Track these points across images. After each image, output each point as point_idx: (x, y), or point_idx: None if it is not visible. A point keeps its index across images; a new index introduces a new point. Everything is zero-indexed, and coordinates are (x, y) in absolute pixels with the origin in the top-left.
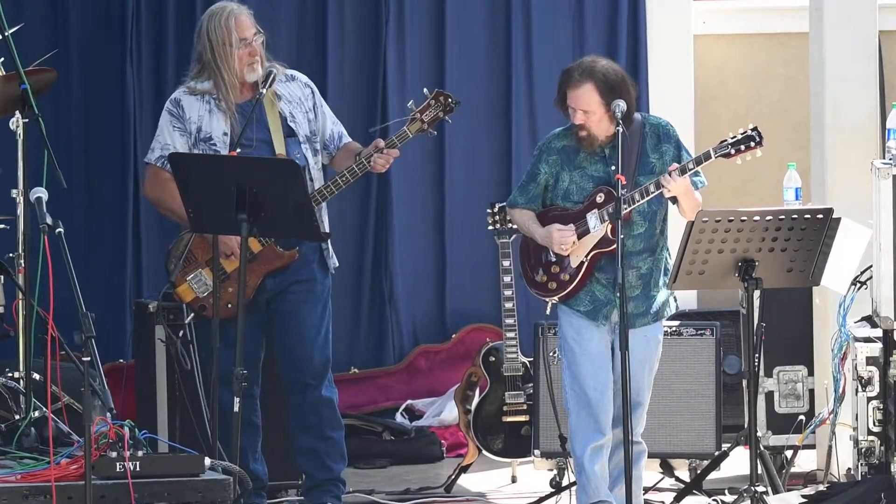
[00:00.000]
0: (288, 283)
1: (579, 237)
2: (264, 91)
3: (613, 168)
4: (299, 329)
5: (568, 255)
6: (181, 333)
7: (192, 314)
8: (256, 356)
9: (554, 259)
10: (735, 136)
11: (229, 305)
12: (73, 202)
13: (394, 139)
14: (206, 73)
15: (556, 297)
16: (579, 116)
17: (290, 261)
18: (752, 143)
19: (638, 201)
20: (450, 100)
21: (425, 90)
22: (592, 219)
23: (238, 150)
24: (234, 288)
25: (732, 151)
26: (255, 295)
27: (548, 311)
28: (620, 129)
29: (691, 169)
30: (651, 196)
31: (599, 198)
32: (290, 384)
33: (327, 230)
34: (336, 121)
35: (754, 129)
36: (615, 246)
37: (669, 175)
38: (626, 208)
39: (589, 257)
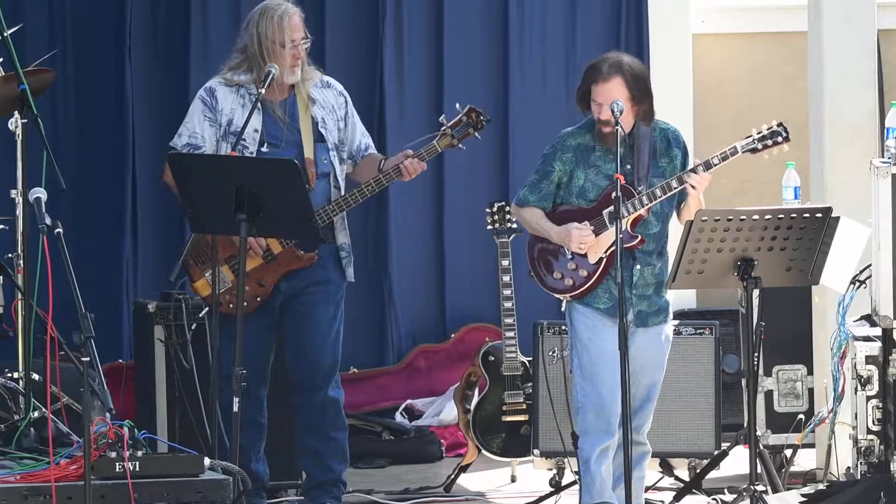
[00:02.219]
0: (302, 285)
1: (596, 234)
2: (262, 91)
3: (629, 167)
4: (311, 329)
5: (584, 253)
6: (193, 327)
7: (207, 308)
8: (266, 358)
9: (571, 257)
10: (761, 132)
11: (244, 303)
12: (71, 202)
13: (423, 152)
14: (248, 65)
15: (569, 295)
16: (605, 111)
17: (309, 263)
18: (780, 139)
19: (659, 197)
20: (482, 117)
21: (457, 105)
22: (609, 216)
23: (264, 149)
24: (251, 287)
25: (759, 147)
26: (271, 297)
27: (563, 309)
28: (619, 129)
29: (716, 164)
30: (673, 192)
31: (614, 198)
32: (298, 384)
33: (347, 241)
34: (365, 132)
35: (780, 124)
36: (635, 242)
37: (695, 171)
38: (647, 204)
39: (608, 254)
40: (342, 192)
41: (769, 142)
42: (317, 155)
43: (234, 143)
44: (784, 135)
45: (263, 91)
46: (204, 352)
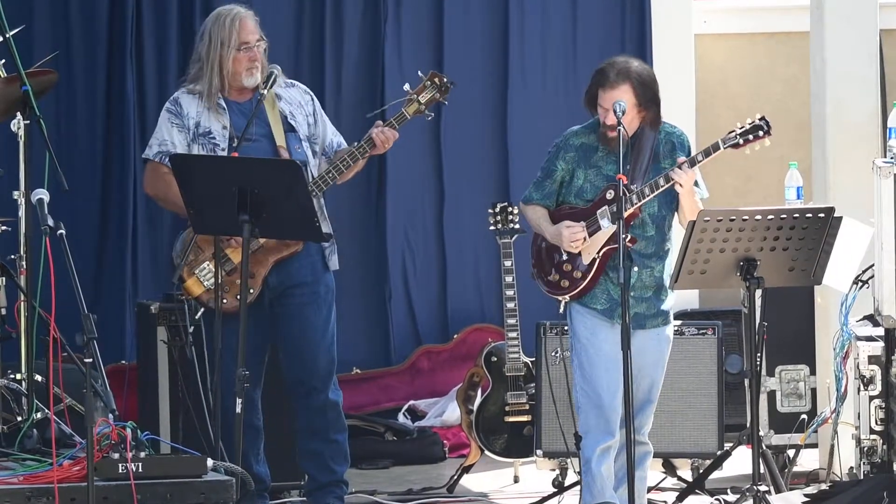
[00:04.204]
0: (291, 283)
1: (590, 234)
2: (265, 91)
3: (629, 168)
4: (304, 332)
5: (579, 253)
6: (192, 329)
7: (202, 309)
8: (260, 359)
9: (566, 258)
10: (743, 126)
11: (237, 297)
12: (74, 203)
13: (392, 121)
14: (203, 72)
15: (568, 296)
16: (612, 117)
17: (297, 249)
18: (761, 133)
19: (648, 195)
20: (445, 80)
21: (419, 73)
22: (603, 216)
23: (236, 144)
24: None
25: (741, 142)
26: (260, 292)
27: (560, 310)
28: (621, 130)
29: (700, 161)
30: (661, 190)
31: (609, 195)
32: (296, 387)
33: (330, 231)
34: (336, 131)
35: (762, 118)
36: (625, 241)
37: (680, 167)
38: (636, 203)
39: (601, 254)
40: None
41: (750, 136)
42: (289, 143)
43: (238, 142)
44: (765, 129)
45: (266, 92)
46: (202, 352)
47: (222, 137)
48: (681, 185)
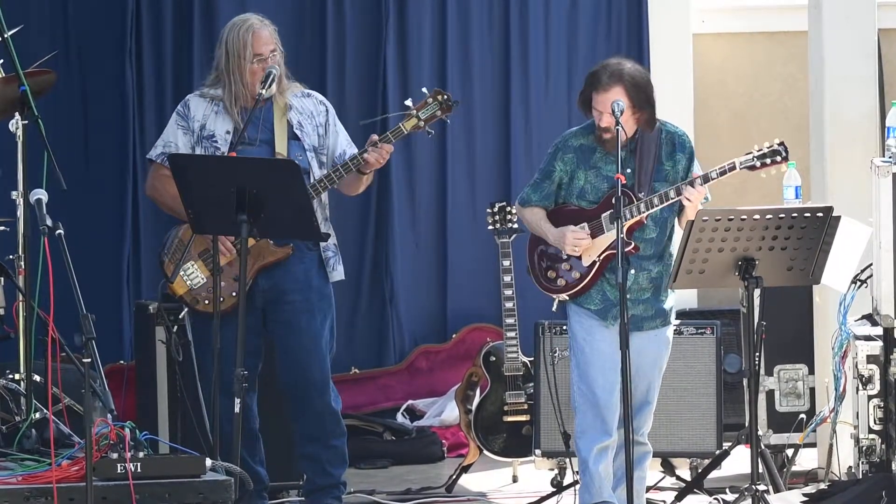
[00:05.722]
0: (285, 288)
1: (592, 237)
2: (263, 91)
3: (630, 170)
4: (299, 341)
5: (579, 255)
6: (175, 329)
7: (186, 308)
8: (253, 364)
9: (565, 257)
10: (761, 150)
11: (221, 299)
12: (72, 203)
13: (388, 135)
14: (221, 80)
15: (564, 295)
16: (606, 119)
17: (284, 257)
18: (779, 158)
19: (656, 205)
20: (447, 98)
21: (424, 89)
22: (607, 220)
23: (239, 148)
24: (227, 282)
25: (758, 164)
26: (251, 294)
27: (554, 308)
28: (619, 129)
29: (713, 178)
30: (670, 202)
31: (615, 199)
32: (291, 395)
33: (329, 231)
34: (351, 143)
35: (780, 143)
36: (629, 248)
37: (692, 185)
38: (643, 212)
39: (601, 257)
40: (320, 197)
41: (768, 160)
42: (290, 151)
43: (234, 143)
44: (783, 154)
45: (265, 92)
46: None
47: (224, 141)
48: (689, 199)
